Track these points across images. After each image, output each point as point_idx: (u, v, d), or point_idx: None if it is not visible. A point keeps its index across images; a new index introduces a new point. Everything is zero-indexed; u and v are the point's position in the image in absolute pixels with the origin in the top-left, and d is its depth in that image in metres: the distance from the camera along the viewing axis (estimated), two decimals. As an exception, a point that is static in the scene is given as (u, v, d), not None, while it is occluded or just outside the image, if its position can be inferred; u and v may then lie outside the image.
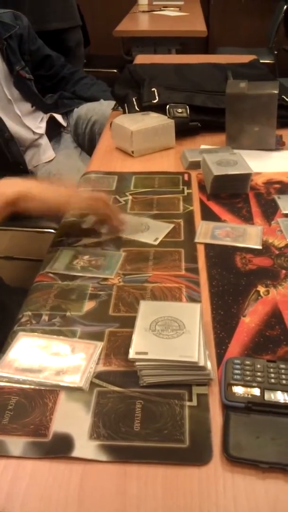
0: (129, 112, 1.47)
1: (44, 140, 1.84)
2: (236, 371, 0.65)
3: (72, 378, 0.65)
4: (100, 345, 0.71)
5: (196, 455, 0.57)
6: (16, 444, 0.58)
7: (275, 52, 4.01)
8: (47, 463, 0.57)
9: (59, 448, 0.58)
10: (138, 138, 1.31)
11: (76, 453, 0.57)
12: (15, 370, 0.67)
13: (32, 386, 0.65)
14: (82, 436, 0.59)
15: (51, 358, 0.69)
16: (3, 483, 0.55)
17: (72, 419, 0.61)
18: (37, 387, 0.65)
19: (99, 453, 0.57)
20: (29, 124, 1.80)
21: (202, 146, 1.36)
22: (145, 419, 0.61)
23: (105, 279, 0.86)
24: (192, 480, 0.54)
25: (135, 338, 0.67)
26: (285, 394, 0.62)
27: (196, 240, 0.96)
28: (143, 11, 3.96)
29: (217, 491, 0.53)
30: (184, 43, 3.59)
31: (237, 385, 0.63)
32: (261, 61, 1.97)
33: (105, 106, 1.84)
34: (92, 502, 0.53)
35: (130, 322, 0.72)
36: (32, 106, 1.84)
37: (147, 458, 0.56)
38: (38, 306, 0.80)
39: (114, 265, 0.89)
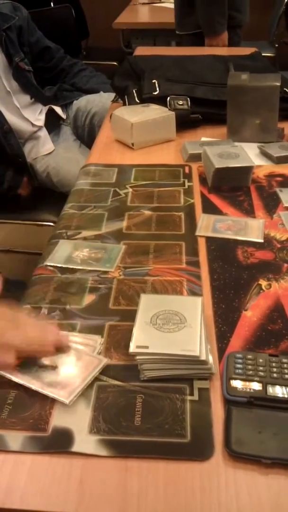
0: (129, 104, 1.46)
1: (43, 133, 1.82)
2: (238, 366, 0.64)
3: (62, 392, 0.62)
4: (102, 360, 0.67)
5: (198, 450, 0.56)
6: (15, 438, 0.58)
7: (276, 46, 3.99)
8: (46, 458, 0.56)
9: (59, 442, 0.57)
10: (138, 130, 1.29)
11: (76, 448, 0.56)
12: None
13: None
14: (82, 430, 0.58)
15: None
16: (3, 478, 0.54)
17: (72, 414, 0.60)
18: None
19: (99, 448, 0.56)
20: (28, 116, 1.78)
21: (203, 139, 1.35)
22: (146, 414, 0.60)
23: (105, 272, 0.85)
24: (194, 476, 0.54)
25: (135, 331, 0.66)
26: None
27: (197, 233, 0.95)
28: (143, 3, 3.93)
29: (219, 486, 0.53)
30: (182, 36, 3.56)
31: (238, 379, 0.62)
32: (262, 54, 1.95)
33: (104, 98, 1.83)
34: (92, 497, 0.52)
35: (130, 316, 0.71)
36: (31, 98, 1.82)
37: (148, 453, 0.56)
38: (38, 299, 0.79)
39: (114, 258, 0.88)
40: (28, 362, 0.66)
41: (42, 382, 0.63)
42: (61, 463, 0.55)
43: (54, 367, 0.65)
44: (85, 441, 0.57)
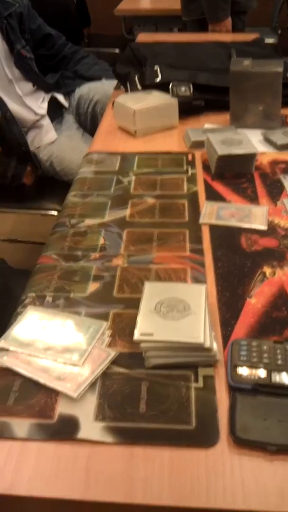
0: (131, 91, 1.45)
1: (46, 121, 1.81)
2: (243, 353, 0.64)
3: (70, 385, 0.62)
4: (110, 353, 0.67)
5: (203, 437, 0.56)
6: (21, 425, 0.58)
7: (279, 32, 3.95)
8: (52, 445, 0.56)
9: (65, 430, 0.57)
10: (141, 118, 1.29)
11: (81, 435, 0.57)
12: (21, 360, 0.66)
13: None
14: (87, 417, 0.58)
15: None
16: (9, 465, 0.54)
17: (78, 401, 0.60)
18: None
19: (105, 435, 0.57)
20: (31, 104, 1.77)
21: (206, 125, 1.34)
22: (151, 401, 0.60)
23: (109, 261, 0.85)
24: (199, 462, 0.54)
25: (140, 319, 0.66)
26: (293, 375, 0.61)
27: (201, 221, 0.95)
28: (145, -11, 3.89)
29: (224, 473, 0.53)
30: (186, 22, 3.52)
31: (243, 366, 0.62)
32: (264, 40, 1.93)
33: (107, 85, 1.81)
34: (98, 484, 0.52)
35: (134, 304, 0.71)
36: (33, 86, 1.81)
37: (153, 440, 0.56)
38: (42, 288, 0.79)
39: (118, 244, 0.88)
40: None
41: (50, 375, 0.63)
42: (67, 450, 0.56)
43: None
44: (91, 428, 0.57)
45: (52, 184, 1.78)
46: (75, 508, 0.53)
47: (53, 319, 0.72)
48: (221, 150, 1.06)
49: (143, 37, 2.24)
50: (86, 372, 0.63)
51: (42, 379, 0.63)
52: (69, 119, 1.90)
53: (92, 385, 0.62)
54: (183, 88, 1.36)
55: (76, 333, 0.69)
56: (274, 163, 1.15)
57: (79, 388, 0.61)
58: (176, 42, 1.70)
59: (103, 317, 0.73)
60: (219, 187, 1.06)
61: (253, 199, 1.01)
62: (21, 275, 0.95)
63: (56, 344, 0.67)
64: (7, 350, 0.67)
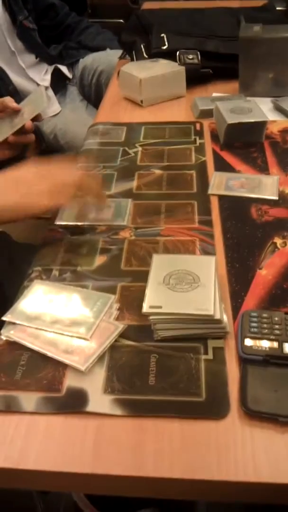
0: (137, 60, 1.41)
1: (50, 93, 1.78)
2: (253, 324, 0.63)
3: (78, 358, 0.61)
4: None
5: (213, 408, 0.55)
6: (30, 399, 0.57)
7: (288, -2, 3.84)
8: (61, 418, 0.56)
9: (73, 403, 0.57)
10: (147, 87, 1.25)
11: (90, 407, 0.56)
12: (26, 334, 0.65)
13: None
14: (96, 390, 0.58)
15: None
16: (17, 438, 0.54)
17: (86, 374, 0.60)
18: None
19: (114, 407, 0.56)
20: (33, 76, 1.74)
21: (214, 94, 1.31)
22: (160, 373, 0.59)
23: (116, 233, 0.83)
24: (210, 434, 0.53)
25: (148, 292, 0.65)
26: (305, 346, 0.60)
27: (210, 191, 0.92)
28: None
29: (235, 444, 0.52)
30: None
31: (254, 338, 0.61)
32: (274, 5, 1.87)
33: (111, 55, 1.77)
34: (108, 457, 0.52)
35: (142, 276, 0.70)
36: (36, 58, 1.77)
37: (163, 412, 0.55)
38: (48, 261, 0.78)
39: (124, 212, 0.86)
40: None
41: (58, 348, 0.62)
42: (75, 423, 0.55)
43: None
44: (100, 401, 0.57)
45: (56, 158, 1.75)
46: (84, 482, 0.52)
47: (60, 292, 0.71)
48: (230, 119, 1.04)
49: (148, 5, 2.18)
50: (94, 345, 0.62)
51: (50, 352, 0.62)
52: (73, 91, 1.87)
53: (101, 358, 0.61)
54: (190, 56, 1.33)
55: (83, 306, 0.68)
56: (285, 131, 1.11)
57: (87, 361, 0.60)
58: (183, 9, 1.65)
59: (111, 290, 0.71)
60: (228, 157, 1.03)
61: (263, 168, 0.99)
62: (25, 249, 0.94)
63: (63, 318, 0.66)
64: (14, 324, 0.66)
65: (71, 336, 0.64)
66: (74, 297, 0.70)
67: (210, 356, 0.61)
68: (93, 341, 0.63)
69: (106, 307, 0.68)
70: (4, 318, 0.67)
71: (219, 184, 0.94)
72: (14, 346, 0.64)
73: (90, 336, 0.63)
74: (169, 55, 1.34)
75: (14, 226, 0.82)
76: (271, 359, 0.59)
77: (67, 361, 0.61)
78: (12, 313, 0.68)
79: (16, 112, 0.97)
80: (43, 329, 0.65)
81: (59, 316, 0.66)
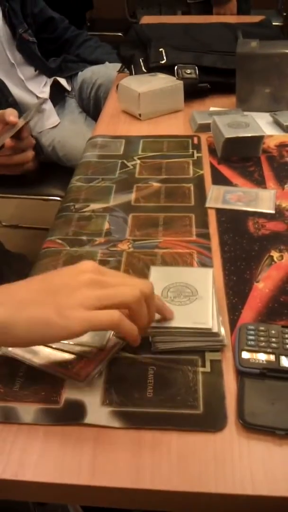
0: (135, 74, 1.42)
1: (48, 106, 1.79)
2: (250, 337, 0.63)
3: (77, 375, 0.61)
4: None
5: (211, 421, 0.56)
6: (28, 411, 0.57)
7: (284, 14, 3.89)
8: (59, 430, 0.56)
9: (71, 414, 0.57)
10: (146, 100, 1.27)
11: (88, 419, 0.56)
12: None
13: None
14: (94, 402, 0.58)
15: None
16: (15, 450, 0.54)
17: (84, 386, 0.60)
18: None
19: (112, 420, 0.56)
20: (33, 88, 1.75)
21: (212, 108, 1.32)
22: (158, 386, 0.59)
23: (115, 245, 0.84)
24: (207, 447, 0.53)
25: (146, 304, 0.65)
26: (301, 360, 0.60)
27: (207, 205, 0.93)
28: (148, -29, 3.83)
29: (233, 457, 0.52)
30: (190, 4, 3.47)
31: (251, 351, 0.62)
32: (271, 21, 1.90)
33: (110, 69, 1.79)
34: (105, 469, 0.52)
35: (141, 288, 0.70)
36: (35, 70, 1.79)
37: (160, 425, 0.55)
38: (47, 273, 0.78)
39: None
40: None
41: (57, 364, 0.62)
42: (73, 435, 0.55)
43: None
44: (98, 413, 0.57)
45: (54, 170, 1.76)
46: (82, 494, 0.52)
47: None
48: (228, 133, 1.05)
49: (147, 19, 2.21)
50: (94, 361, 0.62)
51: (49, 369, 0.62)
52: (71, 103, 1.88)
53: (99, 370, 0.62)
54: (188, 71, 1.34)
55: None
56: (281, 146, 1.13)
57: (88, 377, 0.60)
58: (181, 24, 1.67)
59: (109, 301, 0.72)
60: (225, 170, 1.04)
61: (260, 182, 1.00)
62: (16, 259, 0.94)
63: None
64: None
65: (87, 347, 0.63)
66: None
67: (207, 368, 0.61)
68: (93, 357, 0.63)
69: None
70: None
71: (217, 197, 0.95)
72: (11, 358, 0.64)
73: (105, 344, 0.63)
74: (168, 69, 1.36)
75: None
76: (268, 372, 0.59)
77: (66, 378, 0.61)
78: None
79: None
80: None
81: None
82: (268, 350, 0.62)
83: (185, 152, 1.12)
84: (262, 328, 0.65)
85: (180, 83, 1.31)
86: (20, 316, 0.53)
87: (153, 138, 1.19)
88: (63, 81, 1.86)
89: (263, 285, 0.74)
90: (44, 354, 0.64)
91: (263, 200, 0.93)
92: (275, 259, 0.79)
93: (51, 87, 1.82)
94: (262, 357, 0.61)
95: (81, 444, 0.54)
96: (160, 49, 1.40)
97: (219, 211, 0.91)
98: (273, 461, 0.52)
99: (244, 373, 0.60)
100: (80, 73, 1.88)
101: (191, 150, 1.13)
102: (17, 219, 2.30)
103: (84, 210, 0.94)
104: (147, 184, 1.01)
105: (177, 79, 1.33)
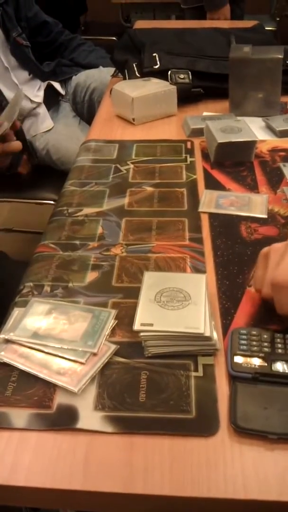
0: (129, 79, 1.43)
1: (42, 109, 1.80)
2: (243, 342, 0.64)
3: (70, 380, 0.61)
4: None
5: (203, 425, 0.56)
6: (20, 416, 0.57)
7: (277, 19, 3.91)
8: (51, 435, 0.56)
9: (64, 419, 0.57)
10: (139, 105, 1.27)
11: (81, 424, 0.56)
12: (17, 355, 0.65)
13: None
14: (87, 407, 0.58)
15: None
16: (7, 455, 0.54)
17: (76, 391, 0.60)
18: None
19: (104, 424, 0.56)
20: (27, 92, 1.75)
21: (205, 113, 1.33)
22: (151, 390, 0.60)
23: (108, 250, 0.84)
24: (199, 451, 0.54)
25: (139, 309, 0.66)
26: (293, 364, 0.60)
27: (200, 209, 0.94)
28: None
29: (225, 462, 0.52)
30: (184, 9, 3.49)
31: (243, 355, 0.62)
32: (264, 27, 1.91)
33: (104, 73, 1.80)
34: (98, 473, 0.52)
35: (133, 293, 0.71)
36: (29, 74, 1.80)
37: (153, 429, 0.56)
38: (40, 277, 0.78)
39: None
40: None
41: (49, 369, 0.62)
42: (66, 440, 0.55)
43: None
44: (90, 417, 0.57)
45: (48, 174, 1.76)
46: (74, 499, 0.52)
47: (60, 309, 0.70)
48: (221, 138, 1.05)
49: (140, 24, 2.21)
50: (87, 366, 0.62)
51: (42, 374, 0.62)
52: (65, 107, 1.89)
53: (91, 374, 0.62)
54: (181, 75, 1.35)
55: (84, 323, 0.68)
56: (273, 151, 1.13)
57: (80, 383, 0.60)
58: (175, 29, 1.68)
59: (102, 306, 0.72)
60: (218, 175, 1.05)
61: (253, 187, 1.00)
62: (20, 267, 0.94)
63: (66, 335, 0.66)
64: (5, 344, 0.66)
65: (80, 351, 0.64)
66: (76, 314, 0.70)
67: (200, 373, 0.62)
68: (86, 362, 0.63)
69: (109, 321, 0.68)
70: (7, 337, 0.66)
71: (209, 202, 0.95)
72: (4, 362, 0.64)
73: (97, 349, 0.63)
74: (161, 74, 1.37)
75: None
76: (260, 377, 0.60)
77: (59, 383, 0.60)
78: (14, 331, 0.67)
79: None
80: (49, 347, 0.64)
81: (62, 334, 0.66)
82: (260, 354, 0.62)
83: (178, 157, 1.13)
84: (254, 332, 0.65)
85: (173, 88, 1.31)
86: None
87: (147, 142, 1.20)
88: (57, 85, 1.87)
89: (256, 290, 0.74)
90: (37, 359, 0.64)
91: (255, 204, 0.94)
92: (267, 263, 0.79)
93: (45, 91, 1.83)
94: (254, 361, 0.61)
95: (73, 449, 0.54)
96: (154, 54, 1.41)
97: (212, 216, 0.92)
98: (264, 465, 0.52)
99: (237, 377, 0.60)
100: (74, 77, 1.89)
101: (184, 155, 1.13)
102: (10, 222, 2.29)
103: (77, 214, 0.94)
104: (140, 188, 1.01)
105: (170, 84, 1.33)
